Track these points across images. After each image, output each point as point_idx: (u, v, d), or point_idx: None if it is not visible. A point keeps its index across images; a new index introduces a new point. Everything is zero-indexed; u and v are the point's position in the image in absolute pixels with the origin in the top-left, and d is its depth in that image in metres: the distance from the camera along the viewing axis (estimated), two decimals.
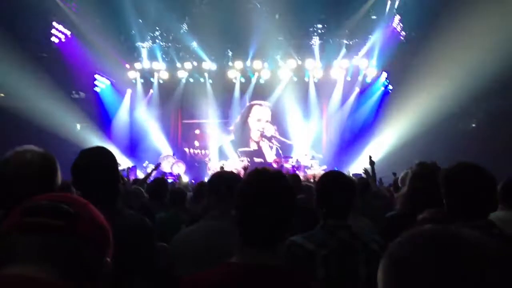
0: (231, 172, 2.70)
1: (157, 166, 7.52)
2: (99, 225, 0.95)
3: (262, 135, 16.69)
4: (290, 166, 14.53)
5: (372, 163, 6.30)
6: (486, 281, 0.65)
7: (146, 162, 15.26)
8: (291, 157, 15.66)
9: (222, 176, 2.50)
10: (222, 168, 11.86)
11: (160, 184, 4.69)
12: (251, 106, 16.85)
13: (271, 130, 16.64)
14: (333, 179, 2.39)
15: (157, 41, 15.50)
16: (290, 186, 1.52)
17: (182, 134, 17.13)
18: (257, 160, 16.06)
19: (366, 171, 6.33)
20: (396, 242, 0.74)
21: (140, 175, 12.80)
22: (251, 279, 1.39)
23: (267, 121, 16.79)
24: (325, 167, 14.92)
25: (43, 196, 0.94)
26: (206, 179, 7.84)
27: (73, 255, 0.87)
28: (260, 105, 16.84)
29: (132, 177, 8.77)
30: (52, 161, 1.69)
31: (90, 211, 0.95)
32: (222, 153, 16.53)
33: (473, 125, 12.55)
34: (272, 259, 1.43)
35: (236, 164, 15.14)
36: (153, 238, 2.22)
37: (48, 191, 1.09)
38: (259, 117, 16.86)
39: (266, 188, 1.46)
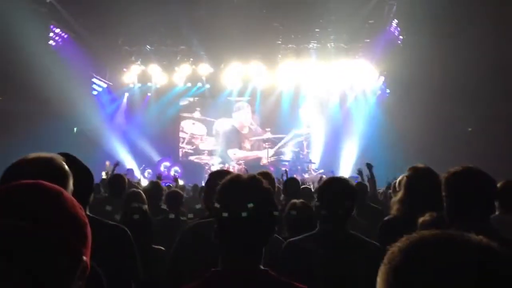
0: (229, 171, 2.70)
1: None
2: (73, 218, 0.84)
3: (258, 139, 16.66)
4: (287, 170, 14.50)
5: (370, 166, 6.34)
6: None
7: (143, 165, 15.26)
8: (289, 161, 15.67)
9: (221, 174, 2.49)
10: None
11: (154, 187, 4.67)
12: (235, 110, 16.84)
13: (263, 133, 16.57)
14: (334, 185, 2.41)
15: (155, 44, 15.49)
16: (269, 191, 1.49)
17: (179, 138, 17.10)
18: (253, 163, 16.00)
19: (360, 171, 6.39)
20: (396, 249, 0.70)
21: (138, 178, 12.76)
22: (234, 285, 1.40)
23: (252, 124, 16.75)
24: (322, 171, 14.93)
25: (13, 184, 0.85)
26: (203, 183, 7.84)
27: (37, 257, 0.77)
28: (241, 106, 16.80)
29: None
30: (64, 173, 1.65)
31: (64, 202, 0.85)
32: (218, 156, 16.57)
33: (470, 129, 12.58)
34: (255, 264, 1.43)
35: (233, 167, 15.15)
36: (131, 246, 2.24)
37: None
38: (245, 121, 16.81)
39: (244, 194, 1.44)
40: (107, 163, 13.99)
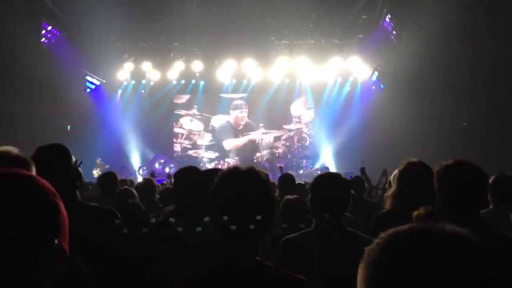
0: (196, 167, 2.74)
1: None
2: (44, 204, 0.78)
3: (252, 135, 16.65)
4: (283, 165, 14.50)
5: (363, 170, 6.43)
6: (469, 280, 0.61)
7: (139, 164, 15.24)
8: (283, 156, 15.69)
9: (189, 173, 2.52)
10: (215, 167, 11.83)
11: (147, 184, 4.65)
12: (231, 107, 16.82)
13: (257, 129, 16.56)
14: (329, 180, 2.41)
15: (148, 41, 15.40)
16: (266, 186, 1.50)
17: (174, 134, 17.07)
18: (248, 158, 16.00)
19: (362, 170, 6.45)
20: (374, 243, 0.71)
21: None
22: (231, 279, 1.41)
23: (247, 118, 16.74)
24: (317, 167, 14.96)
25: None
26: None
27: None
28: (239, 105, 16.78)
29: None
30: (22, 163, 1.64)
31: (33, 188, 0.79)
32: (213, 152, 16.57)
33: (464, 124, 12.63)
34: (252, 256, 1.45)
35: (228, 163, 15.17)
36: (117, 229, 2.26)
37: None
38: (241, 118, 16.78)
39: (241, 190, 1.45)
40: (98, 160, 13.98)
